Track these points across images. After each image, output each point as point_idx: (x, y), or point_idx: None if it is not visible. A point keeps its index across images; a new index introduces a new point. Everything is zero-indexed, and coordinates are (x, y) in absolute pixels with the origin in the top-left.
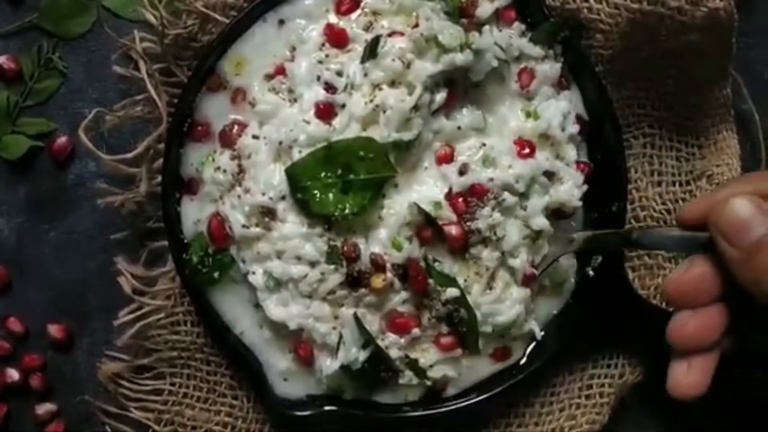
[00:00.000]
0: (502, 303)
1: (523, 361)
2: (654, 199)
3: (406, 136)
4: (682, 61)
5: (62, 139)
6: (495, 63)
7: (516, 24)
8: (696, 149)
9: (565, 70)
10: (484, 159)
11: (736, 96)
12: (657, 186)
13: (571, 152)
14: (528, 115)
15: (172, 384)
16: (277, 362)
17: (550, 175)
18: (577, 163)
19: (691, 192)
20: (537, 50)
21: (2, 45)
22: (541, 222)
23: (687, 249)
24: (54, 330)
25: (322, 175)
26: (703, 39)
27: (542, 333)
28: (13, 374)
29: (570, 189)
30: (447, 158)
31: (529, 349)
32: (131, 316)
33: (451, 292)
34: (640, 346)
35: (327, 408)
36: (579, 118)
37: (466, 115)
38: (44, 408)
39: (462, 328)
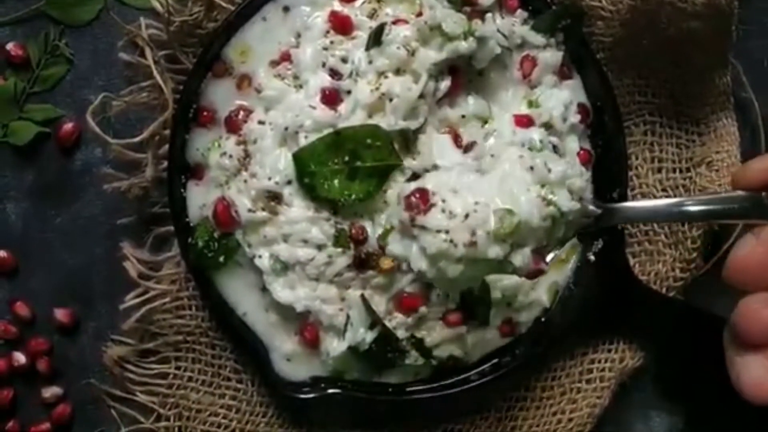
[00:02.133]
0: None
1: (527, 334)
2: (654, 185)
3: (413, 124)
4: (683, 49)
5: (69, 126)
6: (498, 50)
7: (518, 12)
8: (696, 136)
9: (567, 60)
10: (486, 134)
11: (736, 84)
12: (657, 173)
13: (572, 143)
14: (530, 104)
15: (177, 368)
16: (281, 345)
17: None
18: (579, 151)
19: (691, 179)
20: (539, 38)
21: (9, 32)
22: (568, 203)
23: (746, 215)
24: (60, 314)
25: (330, 161)
26: (703, 26)
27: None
28: (20, 358)
29: (578, 170)
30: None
31: (534, 319)
32: (137, 300)
33: None
34: (641, 331)
35: (331, 390)
36: (581, 107)
37: (471, 104)
38: (50, 391)
39: (471, 301)
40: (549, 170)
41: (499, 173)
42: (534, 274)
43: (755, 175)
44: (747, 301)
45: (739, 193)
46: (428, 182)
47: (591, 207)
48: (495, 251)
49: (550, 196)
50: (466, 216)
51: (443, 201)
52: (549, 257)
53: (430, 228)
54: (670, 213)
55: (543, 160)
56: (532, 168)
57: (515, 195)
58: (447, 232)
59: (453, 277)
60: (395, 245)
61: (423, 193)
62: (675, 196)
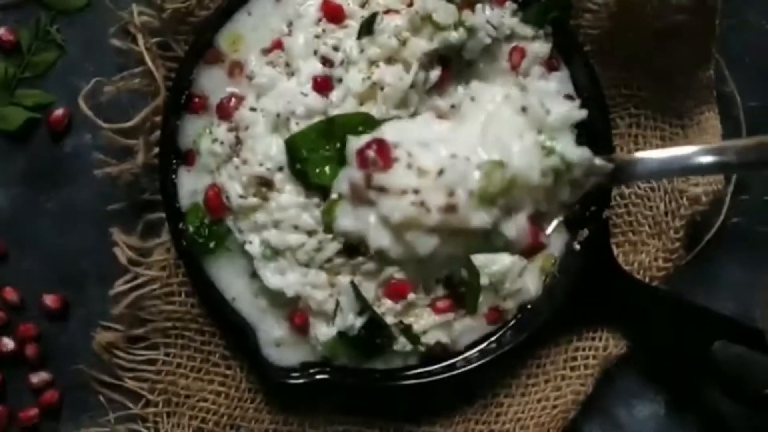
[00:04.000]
0: (498, 253)
1: (513, 322)
2: None
3: (404, 113)
4: (668, 43)
5: (59, 111)
6: (488, 40)
7: (508, 3)
8: (679, 129)
9: (555, 51)
10: None
11: (719, 78)
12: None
13: None
14: None
15: (166, 354)
16: (271, 331)
17: None
18: None
19: None
20: (527, 30)
21: (1, 17)
22: (575, 150)
23: None
24: (49, 300)
25: (321, 147)
26: (688, 21)
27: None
28: (8, 343)
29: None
30: None
31: (520, 307)
32: (126, 286)
33: None
34: (624, 319)
35: (320, 376)
36: (568, 98)
37: (460, 94)
38: (39, 377)
39: (461, 289)
40: (548, 111)
41: (481, 118)
42: (531, 250)
43: None
44: None
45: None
46: (388, 132)
47: (599, 161)
48: (480, 218)
49: (550, 143)
50: (440, 172)
51: (409, 155)
52: (550, 229)
53: (392, 189)
54: (698, 163)
55: (538, 98)
56: (524, 109)
57: (505, 143)
58: (416, 192)
59: (425, 256)
60: (345, 219)
61: (382, 145)
62: (658, 188)
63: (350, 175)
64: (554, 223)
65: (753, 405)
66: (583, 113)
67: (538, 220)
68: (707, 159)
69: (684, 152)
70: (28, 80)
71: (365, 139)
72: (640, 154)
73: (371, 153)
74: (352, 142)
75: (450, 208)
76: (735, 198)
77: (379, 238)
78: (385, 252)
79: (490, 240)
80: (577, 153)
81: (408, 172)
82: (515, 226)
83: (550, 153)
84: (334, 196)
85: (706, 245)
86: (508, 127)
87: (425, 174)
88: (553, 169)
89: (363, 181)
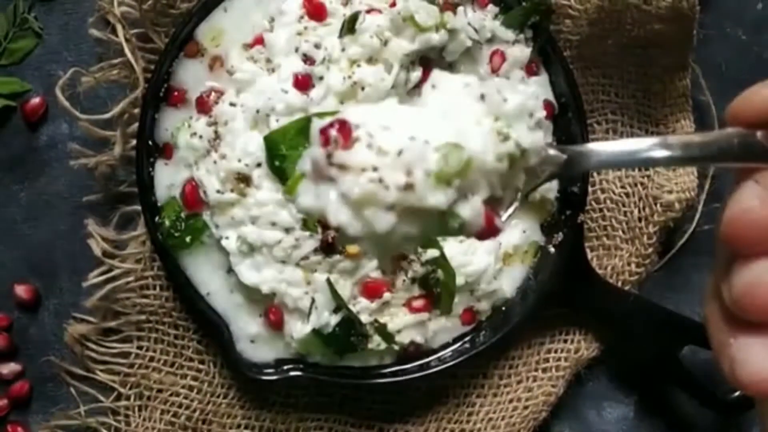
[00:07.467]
0: (473, 254)
1: (487, 322)
2: (614, 182)
3: None
4: (646, 50)
5: (35, 100)
6: (468, 43)
7: (490, 6)
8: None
9: (535, 56)
10: None
11: (695, 87)
12: (617, 170)
13: None
14: None
15: (139, 347)
16: (246, 326)
17: None
18: None
19: (649, 177)
20: (508, 33)
21: None
22: (530, 136)
23: (740, 156)
24: (21, 290)
25: (301, 145)
26: (666, 29)
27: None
28: None
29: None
30: None
31: (494, 308)
32: (100, 278)
33: (432, 253)
34: (596, 322)
35: (293, 373)
36: (547, 103)
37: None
38: (9, 368)
39: (437, 289)
40: (505, 100)
41: (442, 105)
42: (486, 233)
43: (753, 108)
44: (752, 266)
45: (729, 130)
46: (350, 114)
47: (553, 151)
48: (437, 198)
49: (506, 130)
50: (400, 152)
51: (370, 135)
52: (505, 215)
53: (352, 166)
54: (646, 157)
55: (496, 87)
56: (483, 97)
57: (463, 128)
58: (375, 169)
59: (383, 233)
60: (306, 196)
61: (344, 125)
62: (633, 194)
63: (312, 152)
64: (510, 209)
65: (720, 409)
66: (539, 104)
67: (493, 205)
68: (656, 153)
69: (634, 146)
70: (4, 68)
71: (328, 119)
72: (591, 146)
73: (333, 132)
74: (316, 123)
75: (408, 187)
76: (707, 206)
77: (339, 214)
78: (343, 228)
79: (446, 221)
80: (531, 139)
81: (368, 151)
82: (470, 208)
83: (506, 139)
84: (296, 174)
85: (678, 251)
86: (467, 113)
87: (385, 153)
88: (509, 155)
89: (324, 158)
